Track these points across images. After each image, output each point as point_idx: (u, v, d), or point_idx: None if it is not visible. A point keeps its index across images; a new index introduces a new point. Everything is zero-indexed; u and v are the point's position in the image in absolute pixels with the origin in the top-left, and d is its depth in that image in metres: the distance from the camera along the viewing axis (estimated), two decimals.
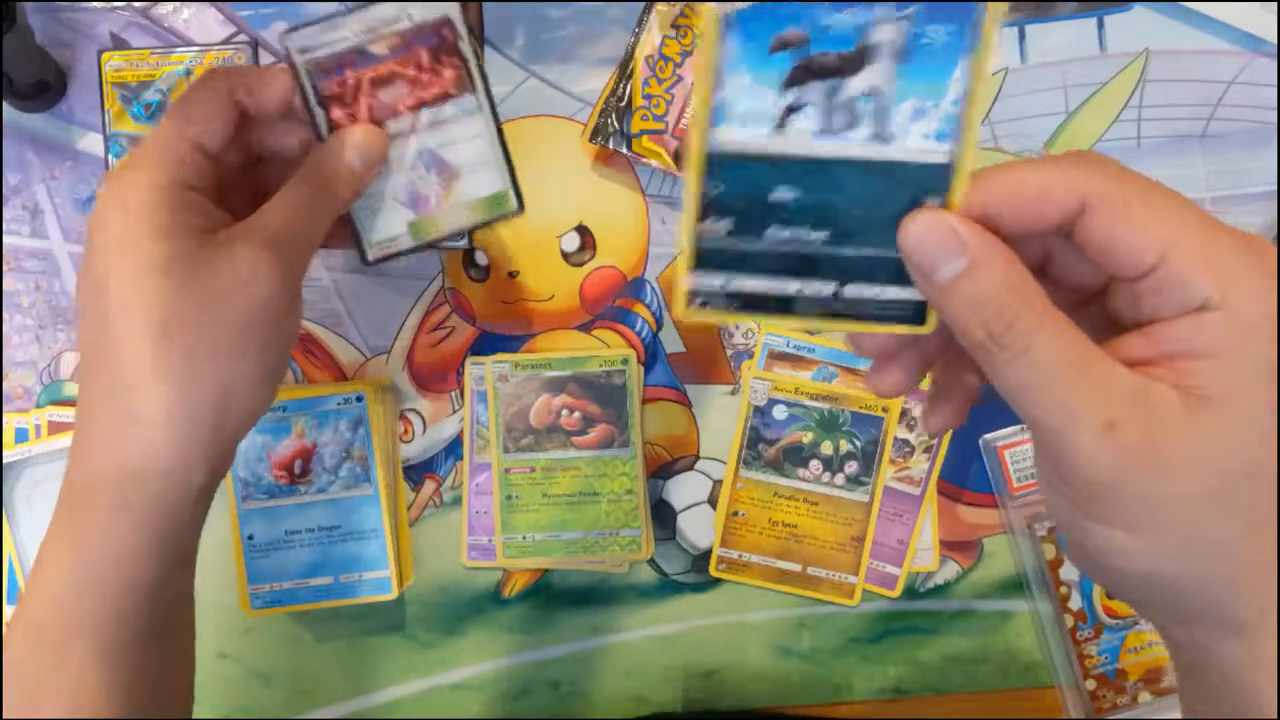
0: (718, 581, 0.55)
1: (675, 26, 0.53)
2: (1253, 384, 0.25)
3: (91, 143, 0.55)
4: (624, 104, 0.53)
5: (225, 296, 0.35)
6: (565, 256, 0.56)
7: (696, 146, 0.27)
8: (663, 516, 0.55)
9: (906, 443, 0.54)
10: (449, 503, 0.55)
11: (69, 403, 0.55)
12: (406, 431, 0.55)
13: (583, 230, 0.56)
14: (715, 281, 0.28)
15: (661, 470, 0.56)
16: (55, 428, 0.54)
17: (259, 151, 0.41)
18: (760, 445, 0.54)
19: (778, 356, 0.55)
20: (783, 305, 0.29)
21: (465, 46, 0.41)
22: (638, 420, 0.54)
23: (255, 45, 0.55)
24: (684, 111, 0.53)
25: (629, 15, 0.55)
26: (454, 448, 0.55)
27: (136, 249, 0.34)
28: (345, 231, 0.42)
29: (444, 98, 0.41)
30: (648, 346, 0.56)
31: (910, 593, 0.55)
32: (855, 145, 0.27)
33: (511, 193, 0.43)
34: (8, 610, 0.53)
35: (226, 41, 0.56)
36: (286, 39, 0.39)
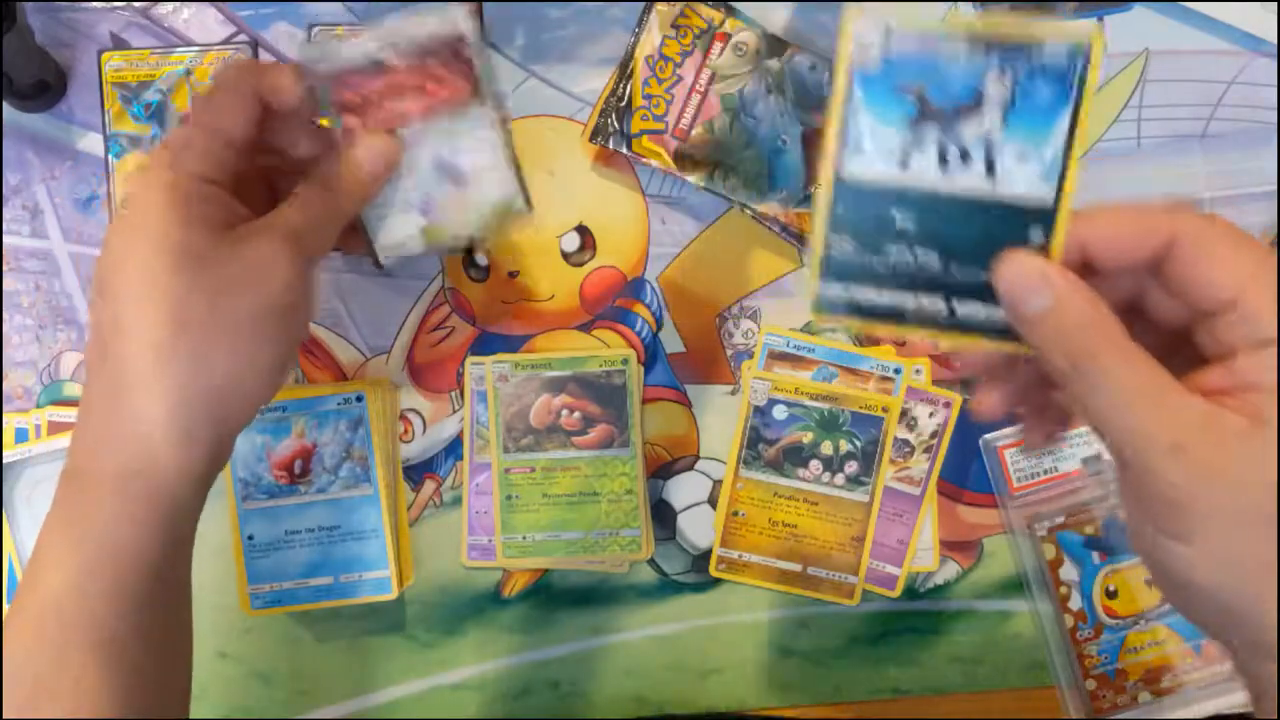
0: (718, 581, 0.55)
1: (675, 26, 0.53)
2: None
3: (91, 143, 0.55)
4: (624, 104, 0.53)
5: (240, 286, 0.36)
6: (565, 256, 0.56)
7: (828, 175, 0.31)
8: (663, 516, 0.55)
9: (906, 443, 0.54)
10: (449, 503, 0.55)
11: (69, 403, 0.55)
12: (406, 431, 0.55)
13: (583, 230, 0.56)
14: (839, 291, 0.32)
15: (661, 470, 0.56)
16: (55, 428, 0.54)
17: (274, 147, 0.42)
18: (760, 445, 0.54)
19: (778, 356, 0.55)
20: (899, 316, 0.32)
21: (477, 57, 0.42)
22: (638, 420, 0.54)
23: (255, 45, 0.55)
24: (684, 112, 0.53)
25: (629, 15, 0.55)
26: (454, 448, 0.55)
27: (159, 235, 0.35)
28: (359, 237, 0.43)
29: (455, 106, 0.42)
30: (648, 346, 0.56)
31: (910, 593, 0.55)
32: (967, 183, 0.31)
33: (520, 197, 0.44)
34: (8, 610, 0.53)
35: (226, 41, 0.56)
36: (305, 47, 0.41)
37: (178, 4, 0.56)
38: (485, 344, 0.55)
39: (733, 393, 0.56)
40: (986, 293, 0.31)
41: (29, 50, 0.52)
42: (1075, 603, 0.54)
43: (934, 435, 0.54)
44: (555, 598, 0.55)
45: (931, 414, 0.54)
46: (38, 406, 0.55)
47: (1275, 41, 0.55)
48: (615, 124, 0.53)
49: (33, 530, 0.53)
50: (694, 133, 0.53)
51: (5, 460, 0.53)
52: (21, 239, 0.55)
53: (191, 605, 0.41)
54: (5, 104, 0.54)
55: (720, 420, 0.55)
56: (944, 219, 0.31)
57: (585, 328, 0.56)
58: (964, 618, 0.56)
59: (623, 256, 0.56)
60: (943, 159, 0.31)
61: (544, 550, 0.54)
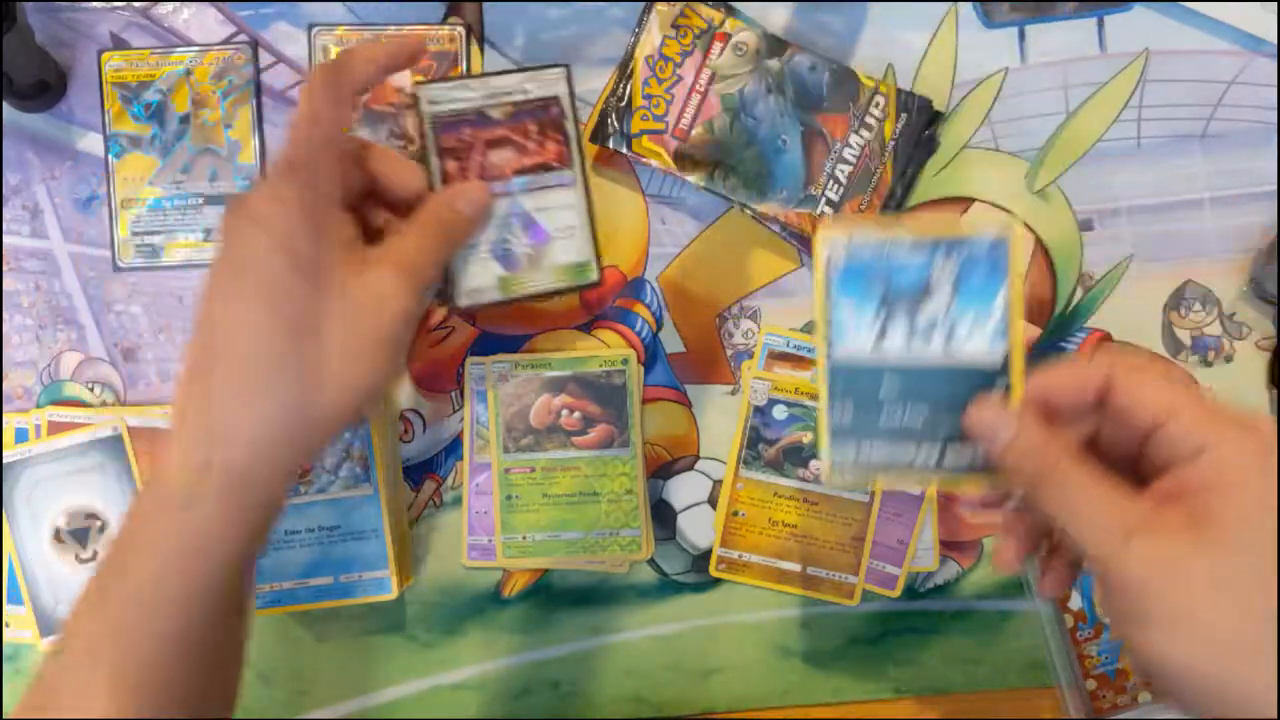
0: (718, 581, 0.55)
1: (675, 26, 0.53)
2: (1245, 509, 0.31)
3: (91, 143, 0.55)
4: (624, 104, 0.53)
5: (369, 308, 0.38)
6: None
7: (822, 362, 0.38)
8: (663, 516, 0.55)
9: None
10: (449, 503, 0.55)
11: (69, 403, 0.55)
12: (406, 431, 0.55)
13: None
14: (849, 453, 0.38)
15: (661, 470, 0.56)
16: (55, 428, 0.54)
17: (371, 175, 0.43)
18: (760, 445, 0.54)
19: (778, 356, 0.55)
20: (905, 466, 0.38)
21: (570, 125, 0.46)
22: (638, 420, 0.54)
23: (255, 45, 0.55)
24: (684, 112, 0.53)
25: (629, 15, 0.55)
26: (454, 448, 0.56)
27: (289, 248, 0.37)
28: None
29: (545, 167, 0.46)
30: (648, 346, 0.56)
31: (910, 593, 0.55)
32: (933, 352, 0.37)
33: (594, 263, 0.47)
34: (8, 610, 0.54)
35: (226, 41, 0.56)
36: (418, 89, 0.45)
37: (178, 4, 0.56)
38: (485, 344, 0.55)
39: (733, 393, 0.56)
40: (968, 438, 0.37)
41: (29, 50, 0.52)
42: (1075, 603, 0.54)
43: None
44: (555, 598, 0.55)
45: None
46: (38, 406, 0.55)
47: (1275, 41, 0.56)
48: (615, 124, 0.53)
49: (33, 530, 0.53)
50: (694, 133, 0.53)
51: (5, 460, 0.53)
52: (21, 239, 0.55)
53: (253, 606, 0.42)
54: (5, 104, 0.54)
55: (720, 420, 0.55)
56: (923, 382, 0.37)
57: (585, 328, 0.56)
58: (964, 618, 0.56)
59: (623, 256, 0.56)
60: (911, 334, 0.37)
61: (544, 550, 0.54)
